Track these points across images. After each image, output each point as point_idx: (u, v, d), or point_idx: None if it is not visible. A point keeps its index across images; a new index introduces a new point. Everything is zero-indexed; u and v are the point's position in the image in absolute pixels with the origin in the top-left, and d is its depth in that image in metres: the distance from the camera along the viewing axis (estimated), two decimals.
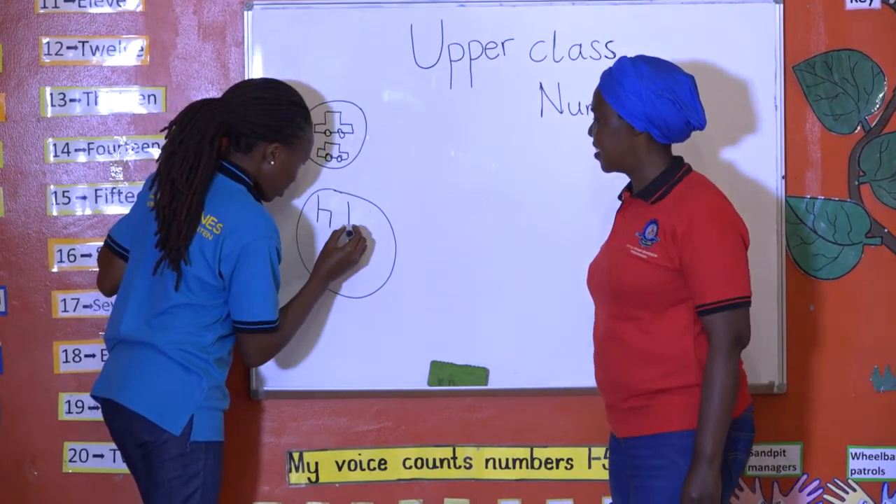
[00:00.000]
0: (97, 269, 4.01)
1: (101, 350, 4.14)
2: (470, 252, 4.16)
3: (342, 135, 4.14)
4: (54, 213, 4.21)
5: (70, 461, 4.23)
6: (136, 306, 3.74)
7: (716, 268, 3.41)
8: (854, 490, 4.29)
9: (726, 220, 3.47)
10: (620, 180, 4.19)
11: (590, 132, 3.60)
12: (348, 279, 4.13)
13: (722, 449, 3.40)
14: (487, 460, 4.25)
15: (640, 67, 3.50)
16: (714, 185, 3.58)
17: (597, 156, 3.61)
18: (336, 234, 4.07)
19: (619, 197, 3.67)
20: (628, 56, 3.57)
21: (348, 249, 4.03)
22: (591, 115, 3.63)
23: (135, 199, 4.09)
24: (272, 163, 3.81)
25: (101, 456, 4.22)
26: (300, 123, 3.84)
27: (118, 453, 3.86)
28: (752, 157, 4.18)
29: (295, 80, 4.05)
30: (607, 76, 3.56)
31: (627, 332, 3.51)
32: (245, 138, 3.78)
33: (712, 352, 3.42)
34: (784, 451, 4.28)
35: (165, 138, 3.78)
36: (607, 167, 3.61)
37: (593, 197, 4.14)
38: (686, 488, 3.40)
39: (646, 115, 3.48)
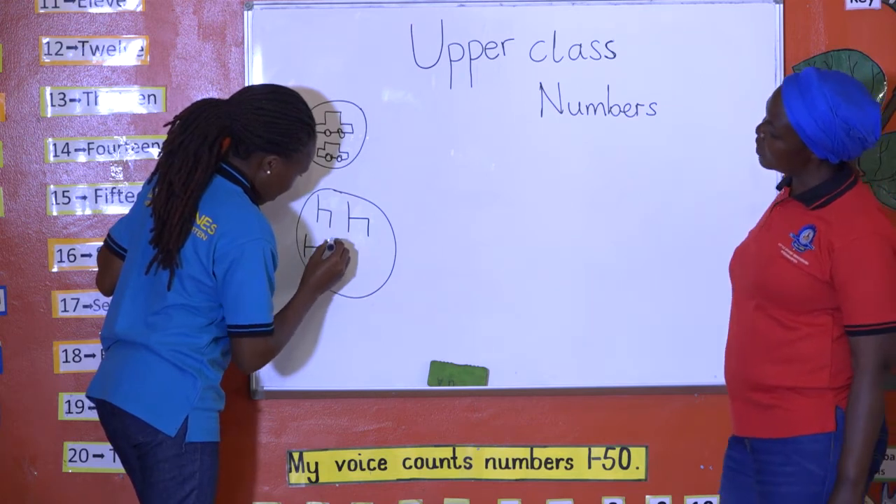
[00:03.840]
0: (97, 269, 4.01)
1: (102, 350, 4.13)
2: (470, 252, 4.15)
3: (342, 135, 4.14)
4: (54, 213, 4.21)
5: (70, 461, 4.23)
6: (131, 304, 3.74)
7: (870, 290, 3.37)
8: None
9: (886, 243, 3.40)
10: (620, 181, 4.17)
11: (758, 130, 3.52)
12: (347, 281, 4.14)
13: (867, 473, 3.38)
14: (487, 460, 4.24)
15: (830, 98, 3.37)
16: (876, 199, 3.54)
17: (759, 151, 3.53)
18: (321, 248, 4.06)
19: (778, 188, 3.62)
20: (816, 71, 3.43)
21: (334, 260, 4.03)
22: (763, 114, 3.52)
23: (135, 199, 4.09)
24: (268, 172, 3.80)
25: (101, 456, 4.22)
26: (302, 139, 3.82)
27: None
28: (752, 157, 4.17)
29: (295, 79, 4.05)
30: (793, 93, 3.43)
31: (768, 326, 3.48)
32: (244, 145, 3.77)
33: (858, 374, 3.38)
34: None
35: (168, 134, 3.77)
36: (768, 167, 3.55)
37: (593, 197, 4.14)
38: None
39: (830, 148, 3.41)
